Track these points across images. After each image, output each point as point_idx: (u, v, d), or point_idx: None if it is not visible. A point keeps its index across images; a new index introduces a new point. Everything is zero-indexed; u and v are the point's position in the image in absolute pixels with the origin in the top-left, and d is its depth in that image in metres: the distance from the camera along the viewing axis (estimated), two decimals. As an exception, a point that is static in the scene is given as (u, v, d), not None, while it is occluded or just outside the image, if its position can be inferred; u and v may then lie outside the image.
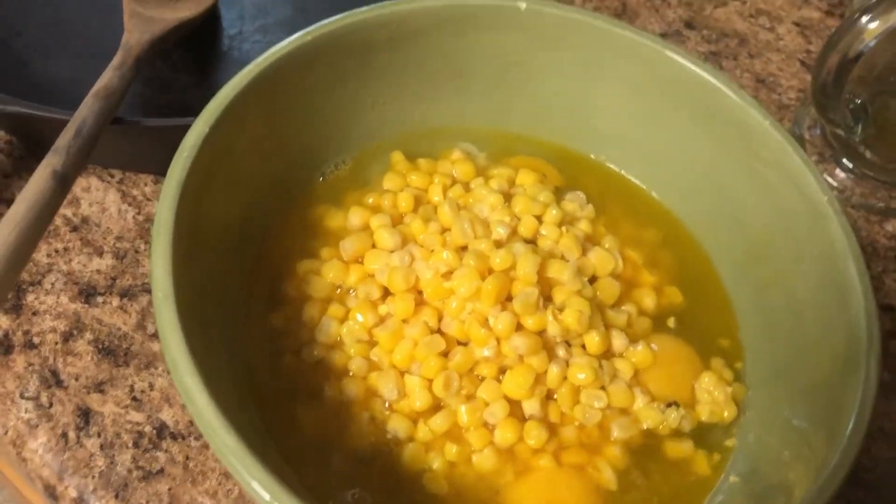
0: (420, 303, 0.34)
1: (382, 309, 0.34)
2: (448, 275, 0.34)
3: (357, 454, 0.32)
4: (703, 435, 0.34)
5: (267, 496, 0.24)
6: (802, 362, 0.32)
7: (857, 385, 0.29)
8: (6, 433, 0.35)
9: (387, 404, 0.33)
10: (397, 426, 0.32)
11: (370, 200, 0.38)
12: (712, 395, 0.34)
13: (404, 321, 0.34)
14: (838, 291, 0.32)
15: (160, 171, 0.43)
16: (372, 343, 0.34)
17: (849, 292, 0.31)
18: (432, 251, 0.35)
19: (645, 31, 0.38)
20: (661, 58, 0.37)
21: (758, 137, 0.35)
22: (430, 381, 0.32)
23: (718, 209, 0.38)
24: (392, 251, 0.35)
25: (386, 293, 0.35)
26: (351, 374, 0.33)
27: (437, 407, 0.33)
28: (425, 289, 0.34)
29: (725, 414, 0.34)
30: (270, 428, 0.32)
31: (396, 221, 0.37)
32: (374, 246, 0.36)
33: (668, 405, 0.34)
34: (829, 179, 0.47)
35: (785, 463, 0.31)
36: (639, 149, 0.40)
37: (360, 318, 0.34)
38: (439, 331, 0.34)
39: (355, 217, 0.37)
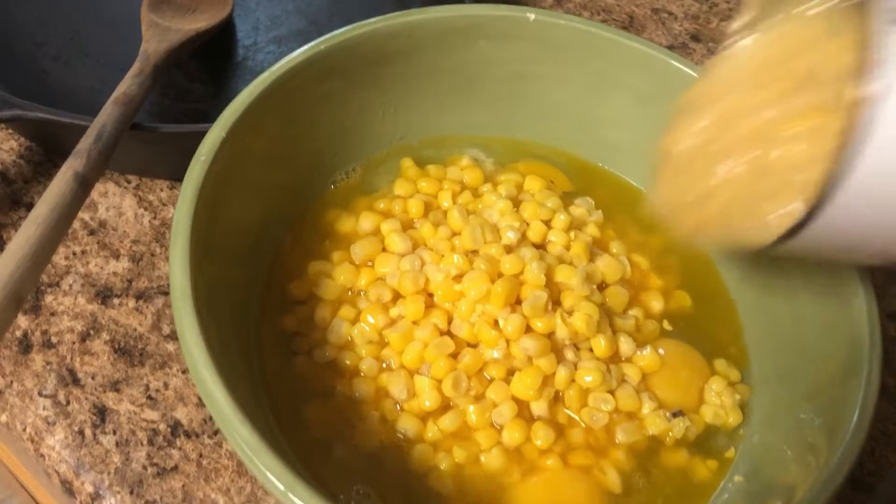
0: (430, 305, 0.35)
1: (393, 311, 0.35)
2: (458, 278, 0.35)
3: (366, 452, 0.32)
4: (708, 438, 0.34)
5: (281, 486, 0.25)
6: (806, 364, 0.33)
7: (858, 387, 0.29)
8: (24, 430, 0.36)
9: (397, 405, 0.33)
10: (407, 425, 0.33)
11: (381, 206, 0.38)
12: (720, 399, 0.35)
13: (415, 323, 0.34)
14: (840, 295, 0.32)
15: (175, 177, 0.44)
16: (382, 344, 0.34)
17: (851, 296, 0.32)
18: (442, 255, 0.36)
19: (652, 42, 0.39)
20: (668, 68, 0.38)
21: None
22: (440, 381, 0.33)
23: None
24: (402, 255, 0.36)
25: (397, 296, 0.35)
26: (362, 374, 0.34)
27: (446, 407, 0.33)
28: (436, 291, 0.35)
29: (731, 419, 0.34)
30: (281, 424, 0.32)
31: (406, 226, 0.37)
32: (384, 250, 0.37)
33: (675, 414, 0.34)
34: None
35: (788, 463, 0.31)
36: (644, 157, 0.41)
37: (371, 319, 0.34)
38: (449, 333, 0.34)
39: (366, 222, 0.37)
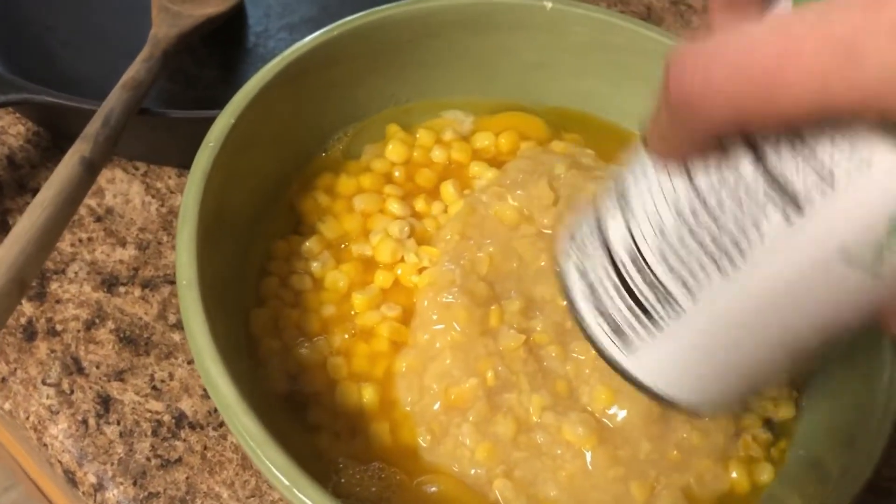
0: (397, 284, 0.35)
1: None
2: (421, 270, 0.34)
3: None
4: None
5: (286, 481, 0.24)
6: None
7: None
8: (28, 418, 0.35)
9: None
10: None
11: (380, 169, 0.38)
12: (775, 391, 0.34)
13: (383, 291, 0.34)
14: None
15: (184, 164, 0.43)
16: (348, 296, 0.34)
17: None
18: (429, 232, 0.36)
19: (671, 33, 0.38)
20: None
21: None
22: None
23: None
24: (396, 218, 0.36)
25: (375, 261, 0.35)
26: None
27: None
28: (403, 276, 0.35)
29: (782, 413, 0.34)
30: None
31: (407, 195, 0.37)
32: (381, 211, 0.36)
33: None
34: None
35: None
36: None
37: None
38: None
39: (367, 182, 0.37)
